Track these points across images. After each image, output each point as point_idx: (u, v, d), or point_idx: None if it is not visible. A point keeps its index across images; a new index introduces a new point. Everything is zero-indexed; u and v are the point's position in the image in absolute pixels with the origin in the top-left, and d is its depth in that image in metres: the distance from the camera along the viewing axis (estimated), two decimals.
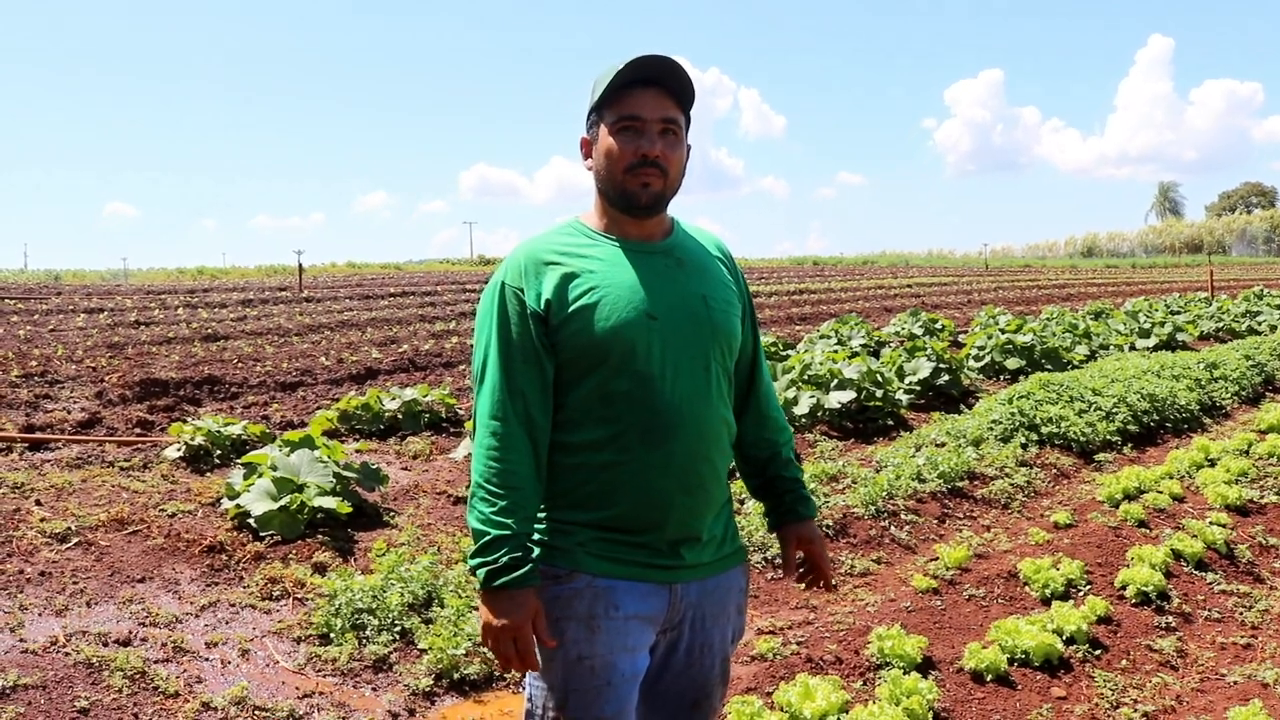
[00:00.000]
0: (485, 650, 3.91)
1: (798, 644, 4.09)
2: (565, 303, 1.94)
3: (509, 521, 1.88)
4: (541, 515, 1.99)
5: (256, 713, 3.50)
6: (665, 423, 1.94)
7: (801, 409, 8.26)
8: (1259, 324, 17.65)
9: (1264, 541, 5.48)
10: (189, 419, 7.92)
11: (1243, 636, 4.31)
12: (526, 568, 1.88)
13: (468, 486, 6.33)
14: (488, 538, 1.87)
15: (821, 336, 13.88)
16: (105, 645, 3.90)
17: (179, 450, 6.92)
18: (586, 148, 2.06)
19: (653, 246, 2.04)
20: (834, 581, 2.21)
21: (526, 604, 1.88)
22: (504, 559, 1.86)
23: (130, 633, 4.04)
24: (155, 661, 3.81)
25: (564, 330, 1.93)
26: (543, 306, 1.94)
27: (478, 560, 1.89)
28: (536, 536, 1.97)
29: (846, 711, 3.36)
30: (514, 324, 1.96)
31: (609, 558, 1.95)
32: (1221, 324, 17.40)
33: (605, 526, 1.96)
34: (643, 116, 1.97)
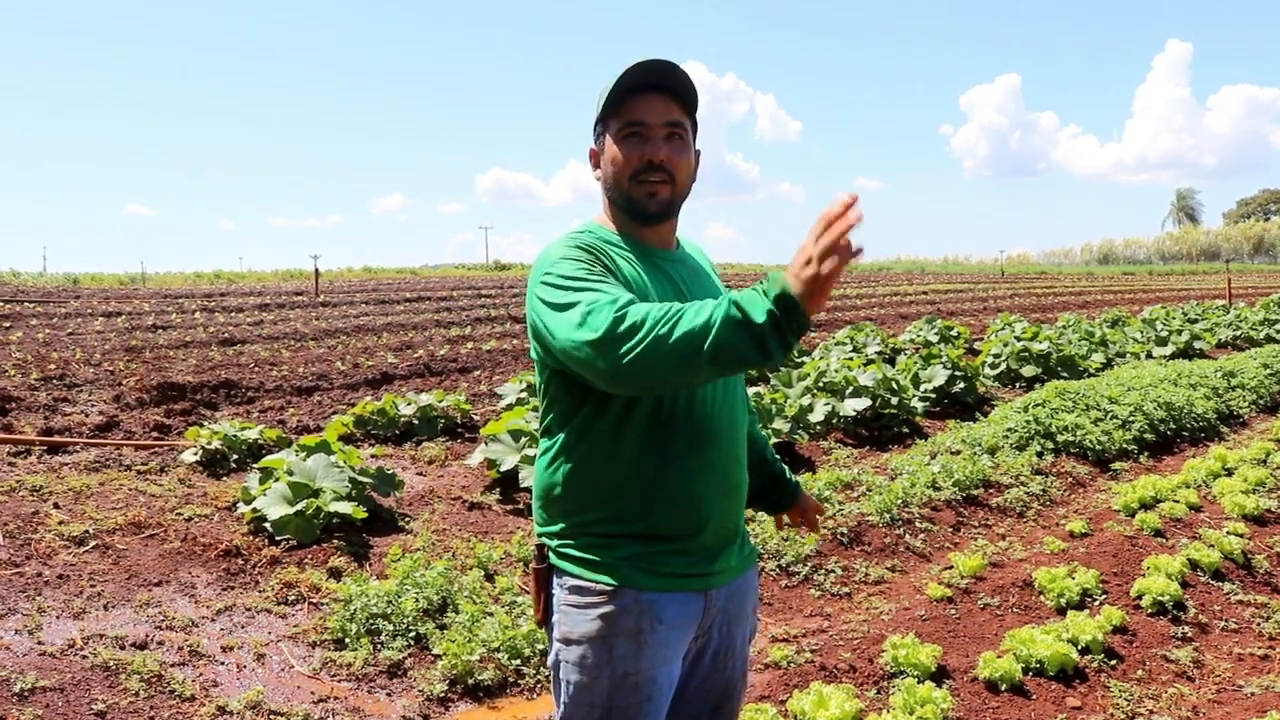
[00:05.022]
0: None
1: (812, 652, 4.09)
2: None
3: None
4: (582, 529, 1.92)
5: (272, 717, 3.52)
6: (709, 430, 1.92)
7: (817, 416, 8.25)
8: (1277, 333, 17.51)
9: None
10: (206, 423, 7.97)
11: (1260, 647, 4.28)
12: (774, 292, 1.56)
13: (482, 491, 6.39)
14: (725, 310, 1.56)
15: (837, 344, 13.86)
16: (122, 648, 3.93)
17: (196, 454, 6.96)
18: (595, 158, 2.03)
19: (673, 255, 2.03)
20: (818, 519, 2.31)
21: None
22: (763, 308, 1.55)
23: (147, 636, 4.07)
24: (172, 665, 3.83)
25: None
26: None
27: (759, 335, 1.54)
28: (575, 553, 1.92)
29: None
30: (594, 265, 1.82)
31: (653, 571, 1.90)
32: (1239, 332, 17.27)
33: (648, 536, 1.90)
34: (647, 121, 1.92)
